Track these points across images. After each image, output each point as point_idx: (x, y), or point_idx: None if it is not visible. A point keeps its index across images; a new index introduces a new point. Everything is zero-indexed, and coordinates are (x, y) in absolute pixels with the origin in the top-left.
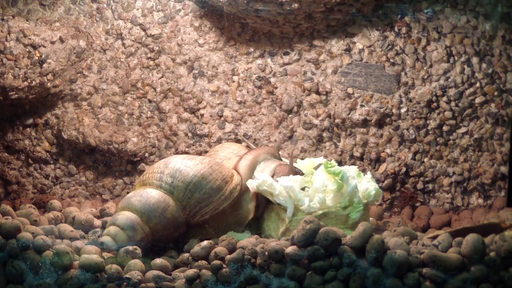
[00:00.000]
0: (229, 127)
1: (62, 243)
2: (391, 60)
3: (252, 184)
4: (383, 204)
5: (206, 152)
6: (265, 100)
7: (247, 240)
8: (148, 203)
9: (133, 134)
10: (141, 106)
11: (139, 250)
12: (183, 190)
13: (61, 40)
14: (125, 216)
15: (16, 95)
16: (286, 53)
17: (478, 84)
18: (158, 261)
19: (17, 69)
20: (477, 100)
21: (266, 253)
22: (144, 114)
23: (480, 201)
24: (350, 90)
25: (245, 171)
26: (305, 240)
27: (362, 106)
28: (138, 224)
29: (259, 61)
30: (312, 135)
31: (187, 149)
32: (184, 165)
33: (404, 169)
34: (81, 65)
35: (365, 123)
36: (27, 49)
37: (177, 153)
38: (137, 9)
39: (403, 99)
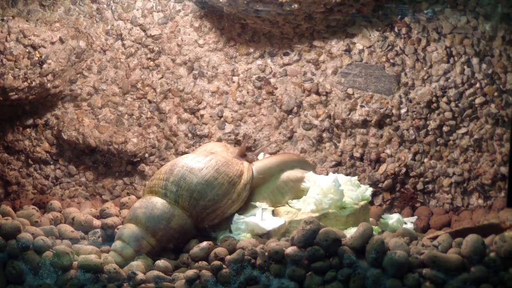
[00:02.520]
0: (229, 127)
1: (62, 244)
2: (391, 61)
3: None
4: (383, 205)
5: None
6: (265, 100)
7: (247, 241)
8: (153, 216)
9: (133, 134)
10: (141, 107)
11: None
12: (188, 199)
13: (61, 40)
14: (131, 230)
15: (16, 96)
16: (286, 54)
17: (478, 85)
18: (161, 262)
19: (17, 69)
20: (477, 101)
21: (266, 253)
22: (144, 115)
23: (480, 201)
24: (350, 91)
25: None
26: (305, 240)
27: (362, 106)
28: (144, 238)
29: (259, 62)
30: (312, 135)
31: (187, 149)
32: (189, 171)
33: (404, 170)
34: (81, 66)
35: (365, 123)
36: (27, 50)
37: (177, 154)
38: (137, 10)
39: (403, 100)
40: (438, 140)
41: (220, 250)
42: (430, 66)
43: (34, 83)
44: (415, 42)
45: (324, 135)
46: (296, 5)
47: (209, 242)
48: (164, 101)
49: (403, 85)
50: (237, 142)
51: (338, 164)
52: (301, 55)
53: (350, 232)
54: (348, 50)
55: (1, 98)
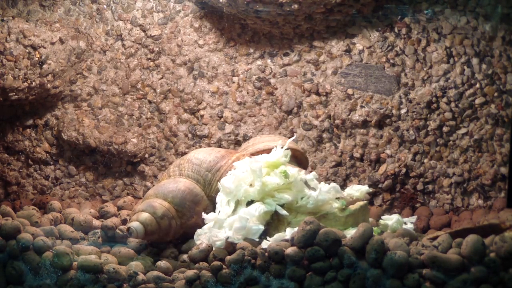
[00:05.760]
0: (229, 128)
1: (62, 244)
2: (391, 61)
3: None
4: (383, 205)
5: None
6: (265, 101)
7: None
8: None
9: (133, 135)
10: (141, 107)
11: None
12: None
13: (61, 41)
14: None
15: (16, 96)
16: (286, 54)
17: (478, 85)
18: (162, 263)
19: (17, 70)
20: (477, 101)
21: (266, 254)
22: (144, 115)
23: (480, 202)
24: (350, 91)
25: None
26: (305, 241)
27: (362, 107)
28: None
29: (259, 62)
30: (312, 136)
31: (187, 150)
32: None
33: (404, 170)
34: (81, 66)
35: (365, 124)
36: (27, 50)
37: (177, 155)
38: (137, 10)
39: (403, 100)
40: (438, 140)
41: (219, 250)
42: (430, 67)
43: (34, 83)
44: (415, 43)
45: (324, 135)
46: (296, 6)
47: (208, 243)
48: (164, 102)
49: (403, 86)
50: (237, 143)
51: (338, 164)
52: (301, 55)
53: (350, 233)
54: (348, 51)
55: (1, 98)
